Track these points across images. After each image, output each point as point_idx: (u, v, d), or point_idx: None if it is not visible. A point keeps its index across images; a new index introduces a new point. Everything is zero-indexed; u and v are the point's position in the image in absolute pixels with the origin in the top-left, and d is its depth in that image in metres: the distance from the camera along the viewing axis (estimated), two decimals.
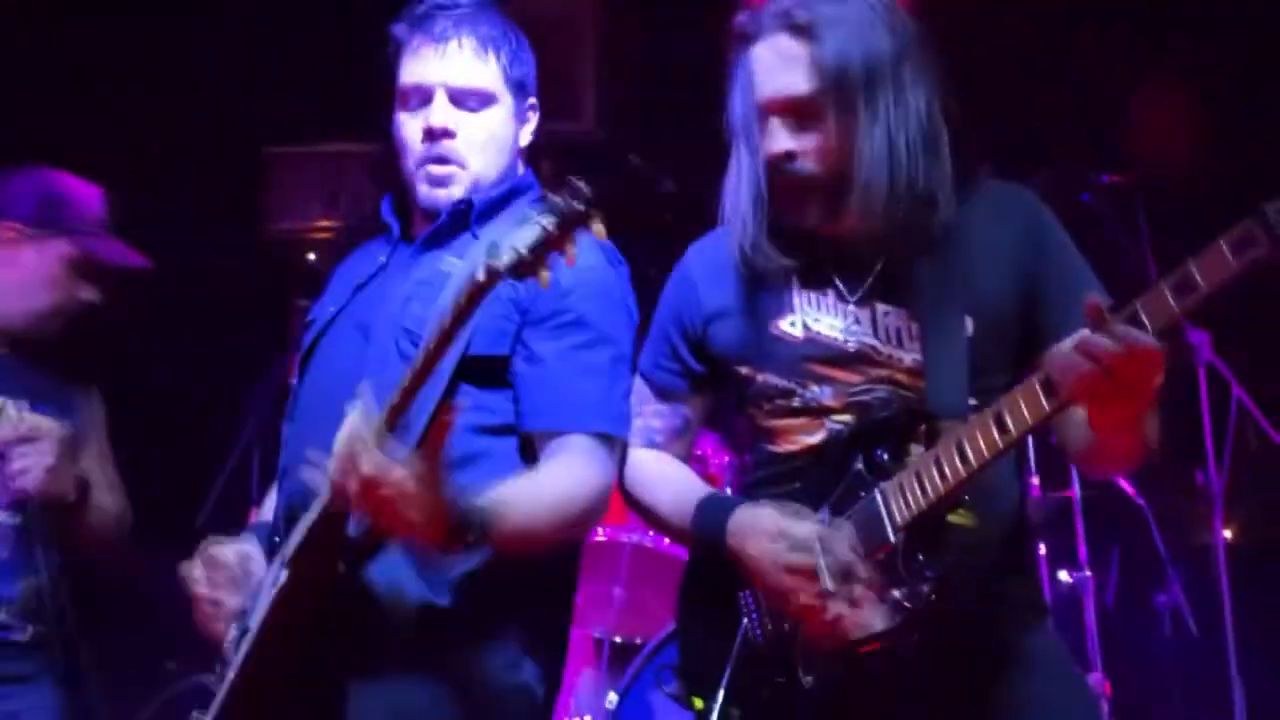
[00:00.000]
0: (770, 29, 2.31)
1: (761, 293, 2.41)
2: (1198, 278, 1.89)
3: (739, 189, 2.41)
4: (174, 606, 2.56)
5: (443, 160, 2.49)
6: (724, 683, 2.26)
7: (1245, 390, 4.18)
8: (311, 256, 5.57)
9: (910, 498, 2.14)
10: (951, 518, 2.16)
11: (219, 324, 5.42)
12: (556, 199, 1.86)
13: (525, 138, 2.60)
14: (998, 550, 2.29)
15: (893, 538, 2.15)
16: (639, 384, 2.56)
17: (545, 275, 1.88)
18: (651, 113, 5.80)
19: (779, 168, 2.30)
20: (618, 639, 4.46)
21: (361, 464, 2.02)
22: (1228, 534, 4.32)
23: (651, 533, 4.30)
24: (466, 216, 2.50)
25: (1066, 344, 2.05)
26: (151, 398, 5.44)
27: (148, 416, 5.34)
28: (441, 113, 2.49)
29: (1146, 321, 1.92)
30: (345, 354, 2.45)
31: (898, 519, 2.15)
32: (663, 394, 2.55)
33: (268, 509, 2.62)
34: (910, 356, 2.29)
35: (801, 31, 2.27)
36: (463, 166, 2.50)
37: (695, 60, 5.69)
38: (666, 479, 2.52)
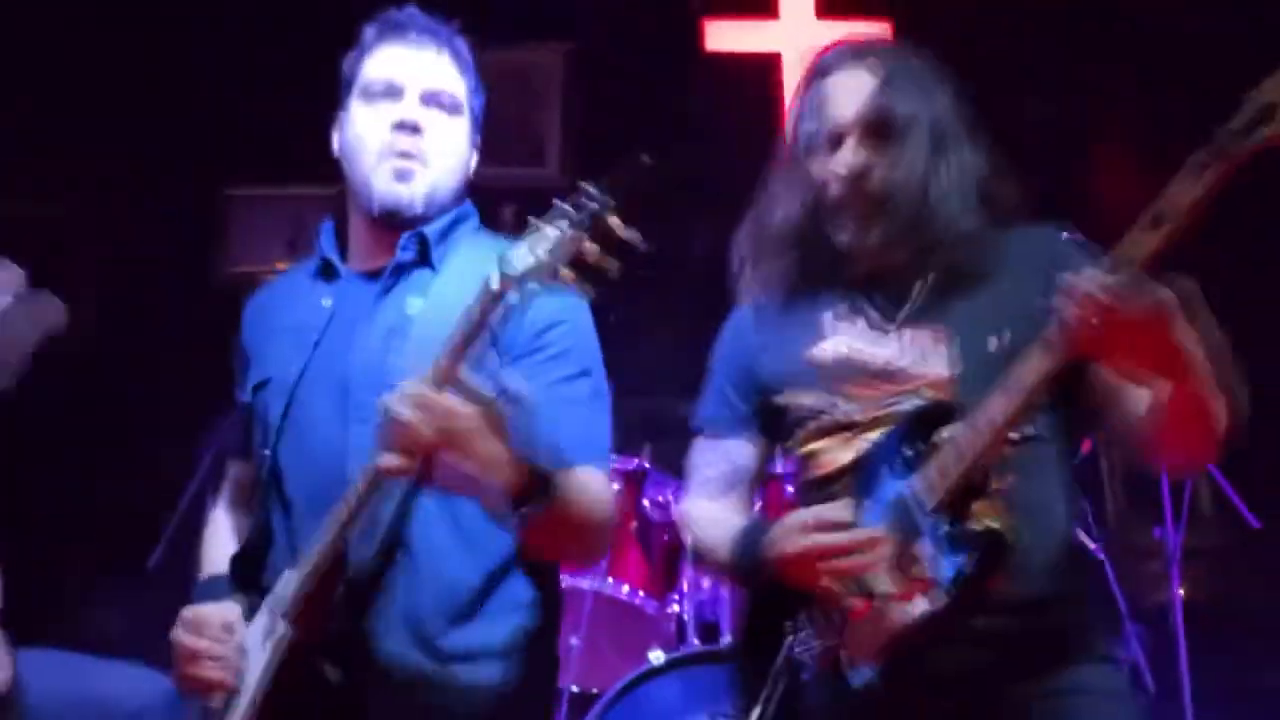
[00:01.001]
0: (847, 63, 2.47)
1: (796, 324, 2.48)
2: (1164, 208, 1.97)
3: (775, 221, 2.52)
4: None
5: (407, 155, 2.44)
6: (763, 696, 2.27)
7: None
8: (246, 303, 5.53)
9: (935, 480, 2.17)
10: (986, 520, 2.16)
11: (175, 365, 5.37)
12: (566, 205, 1.86)
13: (470, 166, 2.58)
14: (1044, 573, 2.27)
15: (923, 524, 2.17)
16: (697, 440, 2.63)
17: (568, 275, 1.88)
18: (614, 160, 5.82)
19: (850, 183, 2.38)
20: (575, 688, 4.41)
21: (434, 402, 2.03)
22: (1183, 591, 4.33)
23: (611, 580, 4.27)
24: (424, 248, 2.46)
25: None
26: (106, 437, 5.39)
27: (102, 456, 5.31)
28: (415, 109, 2.45)
29: (1124, 260, 2.00)
30: (324, 418, 2.38)
31: (926, 503, 2.18)
32: (719, 439, 2.61)
33: (213, 556, 2.58)
34: (936, 370, 2.34)
35: (877, 68, 2.44)
36: (425, 165, 2.45)
37: (656, 109, 5.84)
38: (724, 523, 2.52)
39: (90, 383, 5.54)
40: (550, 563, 2.48)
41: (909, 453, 2.25)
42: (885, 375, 2.37)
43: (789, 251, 2.50)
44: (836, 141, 2.42)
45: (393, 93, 2.46)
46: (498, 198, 2.58)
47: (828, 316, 2.46)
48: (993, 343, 2.30)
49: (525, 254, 1.89)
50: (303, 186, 5.81)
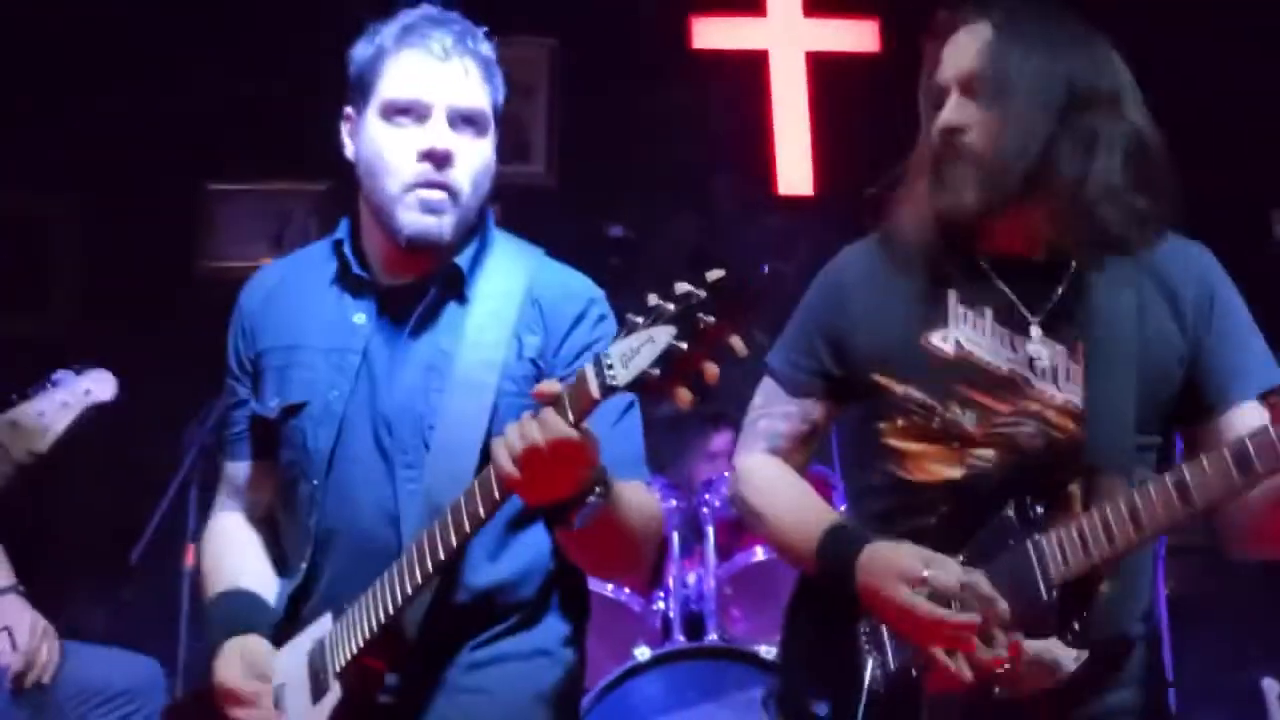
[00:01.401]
0: (971, 17, 2.27)
1: (915, 301, 2.29)
2: None
3: (910, 182, 2.33)
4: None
5: (439, 186, 2.27)
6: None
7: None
8: (242, 292, 5.50)
9: (1070, 555, 2.04)
10: (1111, 622, 2.11)
11: (158, 360, 5.35)
12: (671, 308, 1.71)
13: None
14: (1134, 619, 2.22)
15: (1046, 595, 2.05)
16: (768, 382, 2.46)
17: (685, 396, 1.76)
18: (601, 160, 5.82)
19: (949, 142, 2.23)
20: None
21: (551, 429, 1.90)
22: (1168, 588, 4.34)
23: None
24: (459, 284, 2.33)
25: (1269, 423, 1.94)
26: (87, 432, 5.36)
27: (83, 450, 5.28)
28: (444, 135, 2.27)
29: None
30: (370, 459, 2.29)
31: (1053, 576, 2.05)
32: (793, 391, 2.43)
33: (228, 567, 2.47)
34: (1064, 395, 2.18)
35: (995, 19, 2.23)
36: (456, 199, 2.28)
37: (639, 114, 5.83)
38: (784, 489, 2.39)
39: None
40: (592, 575, 2.42)
41: (1037, 507, 2.12)
42: (1009, 386, 2.20)
43: (921, 212, 2.28)
44: (941, 100, 2.26)
45: (418, 114, 2.28)
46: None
47: (952, 298, 2.27)
48: (1130, 374, 2.15)
49: (626, 360, 1.75)
50: (287, 182, 5.79)
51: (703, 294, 1.70)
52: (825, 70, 5.85)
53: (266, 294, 2.50)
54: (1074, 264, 2.22)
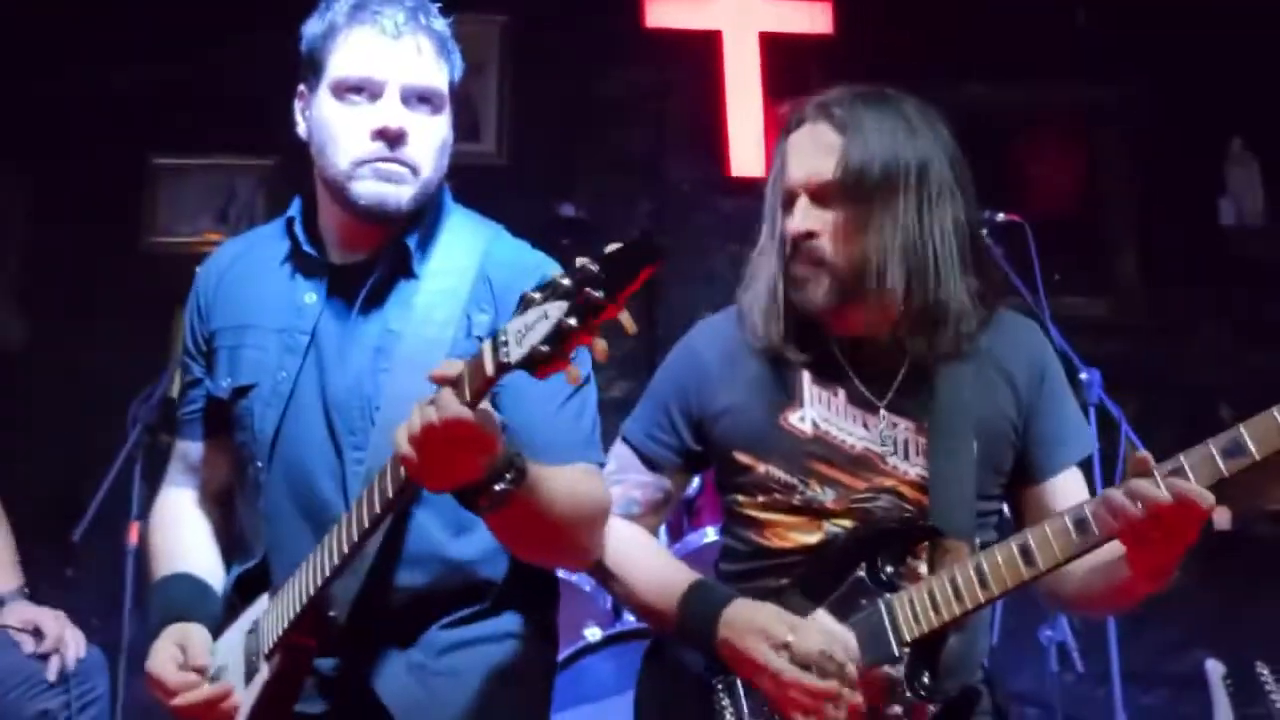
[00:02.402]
0: (811, 116, 2.34)
1: (772, 382, 2.39)
2: (1250, 445, 1.93)
3: (759, 273, 2.41)
4: None
5: (392, 162, 2.23)
6: None
7: (1133, 428, 4.22)
8: (199, 270, 5.45)
9: (920, 614, 2.14)
10: (963, 677, 2.20)
11: (101, 335, 5.29)
12: (566, 283, 1.66)
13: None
14: (977, 667, 2.35)
15: (897, 652, 2.14)
16: (623, 449, 2.51)
17: (574, 372, 1.73)
18: (552, 139, 5.80)
19: (798, 246, 2.30)
20: None
21: (444, 410, 1.83)
22: None
23: None
24: (406, 261, 2.31)
25: (1114, 489, 2.03)
26: (30, 406, 5.31)
27: (25, 425, 5.22)
28: (398, 113, 2.23)
29: (1191, 478, 1.96)
30: (319, 441, 2.27)
31: (905, 635, 2.15)
32: (650, 465, 2.49)
33: (173, 549, 2.45)
34: (915, 470, 2.29)
35: (837, 122, 2.30)
36: (415, 172, 2.25)
37: (591, 93, 5.81)
38: (641, 551, 2.44)
39: (14, 352, 5.46)
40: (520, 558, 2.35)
41: (888, 568, 2.21)
42: (864, 463, 2.31)
43: (768, 309, 2.38)
44: (790, 201, 2.34)
45: (370, 92, 2.24)
46: None
47: (806, 379, 2.38)
48: (967, 450, 2.27)
49: (520, 338, 1.70)
50: (234, 156, 5.73)
51: (595, 268, 1.65)
52: (778, 51, 5.85)
53: (221, 273, 2.48)
54: (913, 343, 2.32)
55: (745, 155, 5.74)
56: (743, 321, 2.44)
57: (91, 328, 5.35)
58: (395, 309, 2.30)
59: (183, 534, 2.48)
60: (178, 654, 2.26)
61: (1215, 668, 4.08)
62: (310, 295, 2.34)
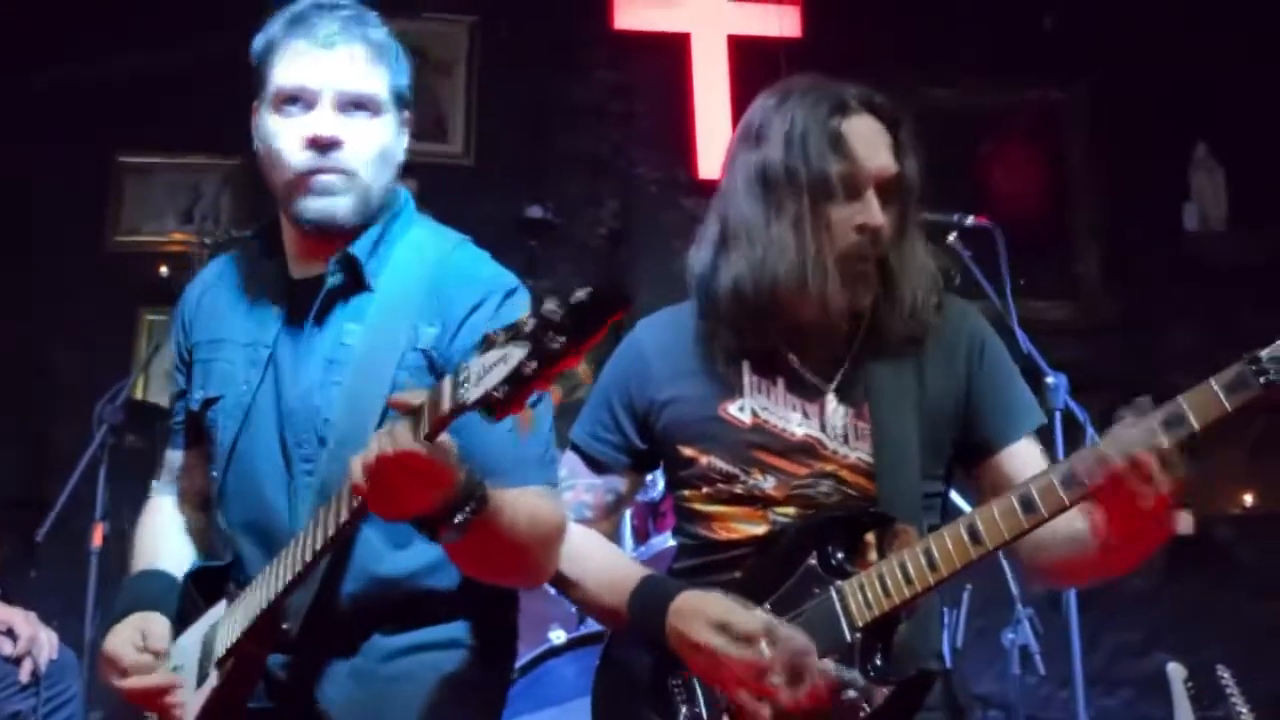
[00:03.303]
0: (857, 108, 2.30)
1: (712, 374, 2.38)
2: (1189, 416, 1.93)
3: (767, 246, 2.29)
4: None
5: (330, 171, 2.25)
6: None
7: (1099, 433, 4.24)
8: (164, 270, 5.43)
9: (872, 599, 2.14)
10: (918, 660, 2.20)
11: (66, 336, 5.27)
12: (529, 328, 1.64)
13: (402, 153, 2.39)
14: (929, 655, 2.35)
15: (850, 637, 2.14)
16: (571, 455, 2.50)
17: (528, 414, 1.72)
18: (520, 140, 5.79)
19: (865, 240, 2.26)
20: None
21: (398, 442, 1.83)
22: None
23: None
24: (357, 273, 2.31)
25: (1055, 466, 2.05)
26: None
27: None
28: (329, 120, 2.26)
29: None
30: (270, 455, 2.29)
31: (856, 620, 2.15)
32: (598, 467, 2.48)
33: (151, 547, 2.49)
34: (855, 454, 2.30)
35: (888, 119, 2.31)
36: (351, 179, 2.27)
37: (558, 94, 5.81)
38: (594, 554, 2.43)
39: None
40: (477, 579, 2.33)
41: (837, 555, 2.21)
42: (804, 450, 2.31)
43: (728, 290, 2.33)
44: (855, 189, 2.26)
45: (305, 101, 2.27)
46: (403, 170, 2.47)
47: (746, 368, 2.37)
48: (912, 430, 2.29)
49: (479, 378, 1.68)
50: (199, 155, 5.71)
51: (559, 315, 1.63)
52: (747, 54, 5.86)
53: (204, 288, 2.52)
54: (861, 330, 2.34)
55: (714, 157, 5.75)
56: (684, 315, 2.44)
57: (56, 327, 5.32)
58: (348, 321, 2.31)
59: (162, 536, 2.52)
60: (137, 637, 2.28)
61: (1177, 670, 4.10)
62: (273, 309, 2.38)
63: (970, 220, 4.11)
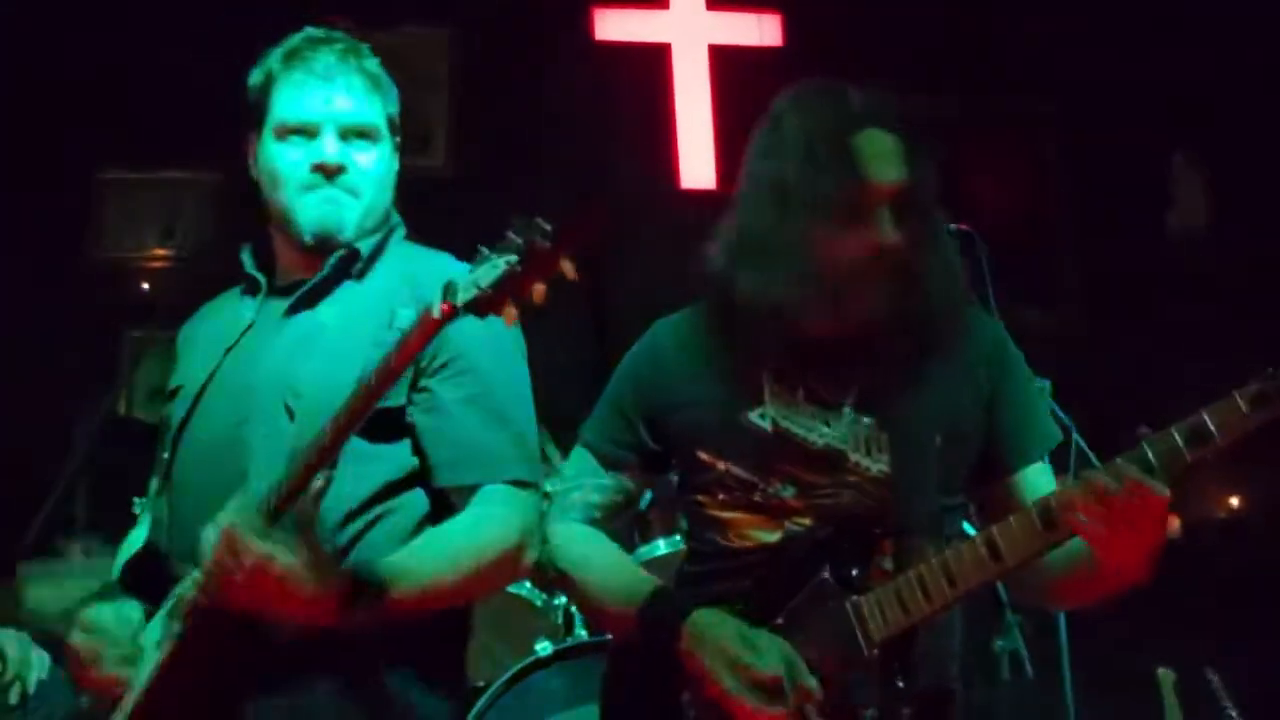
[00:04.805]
0: (867, 120, 2.28)
1: (732, 379, 2.35)
2: (1213, 430, 1.94)
3: (779, 258, 2.26)
4: None
5: (334, 190, 2.38)
6: None
7: (1084, 438, 4.24)
8: (145, 286, 5.41)
9: (889, 615, 2.13)
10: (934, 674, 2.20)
11: (46, 352, 5.24)
12: (517, 236, 1.78)
13: (394, 175, 2.50)
14: (945, 670, 2.32)
15: (867, 653, 2.13)
16: (581, 453, 2.50)
17: (511, 313, 1.80)
18: (502, 152, 5.78)
19: (878, 258, 2.23)
20: None
21: (244, 558, 1.96)
22: None
23: None
24: (351, 265, 2.40)
25: (1073, 485, 2.04)
26: None
27: None
28: (333, 149, 2.38)
29: (1155, 464, 1.95)
30: (225, 420, 2.31)
31: (874, 635, 2.13)
32: (608, 465, 2.47)
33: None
34: (877, 466, 2.27)
35: (901, 130, 2.29)
36: (356, 197, 2.39)
37: (539, 105, 5.80)
38: (599, 557, 2.43)
39: None
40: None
41: (853, 569, 2.19)
42: (825, 460, 2.28)
43: (755, 298, 2.29)
44: (867, 205, 2.24)
45: (308, 132, 2.39)
46: None
47: (767, 377, 2.34)
48: (931, 442, 2.25)
49: (471, 284, 1.80)
50: (180, 172, 5.69)
51: (546, 225, 1.77)
52: (728, 64, 5.86)
53: (198, 318, 2.62)
54: (881, 343, 2.29)
55: (696, 167, 5.75)
56: (703, 317, 2.43)
57: (37, 344, 5.30)
58: (328, 307, 2.37)
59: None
60: (88, 625, 2.29)
61: (1166, 675, 4.11)
62: (249, 312, 2.45)
63: (953, 227, 4.10)
